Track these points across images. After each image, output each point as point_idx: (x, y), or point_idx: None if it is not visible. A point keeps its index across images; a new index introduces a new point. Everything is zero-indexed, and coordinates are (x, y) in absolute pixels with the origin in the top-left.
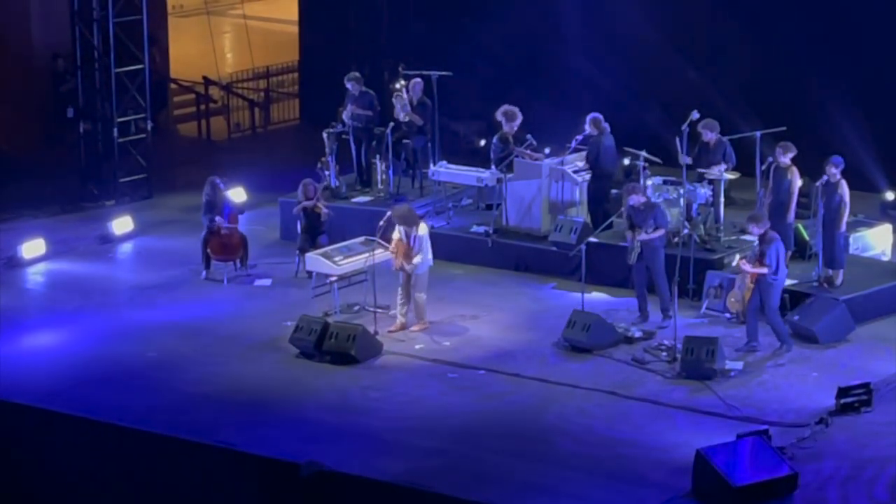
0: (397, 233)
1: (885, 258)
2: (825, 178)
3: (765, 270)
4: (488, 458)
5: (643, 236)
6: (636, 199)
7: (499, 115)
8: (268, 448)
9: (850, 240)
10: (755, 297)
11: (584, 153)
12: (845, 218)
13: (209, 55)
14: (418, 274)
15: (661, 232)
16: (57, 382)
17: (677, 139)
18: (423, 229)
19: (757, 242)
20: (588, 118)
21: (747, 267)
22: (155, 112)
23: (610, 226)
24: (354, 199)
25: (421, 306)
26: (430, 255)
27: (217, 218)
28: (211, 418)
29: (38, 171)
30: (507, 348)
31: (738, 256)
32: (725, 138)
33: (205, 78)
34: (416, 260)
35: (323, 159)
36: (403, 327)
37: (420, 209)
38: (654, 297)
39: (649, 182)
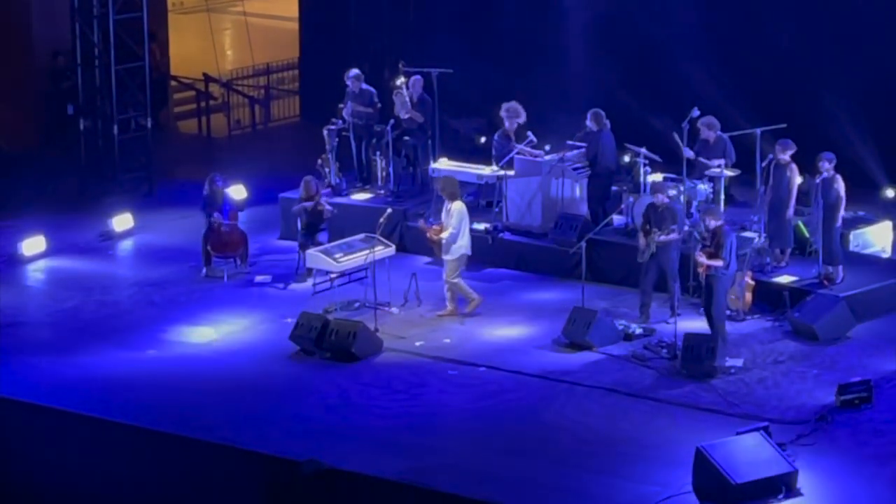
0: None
1: (886, 255)
2: (823, 174)
3: (720, 263)
4: (488, 455)
5: (662, 237)
6: (661, 198)
7: (502, 112)
8: (268, 446)
9: (851, 237)
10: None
11: (583, 150)
12: (841, 213)
13: (209, 52)
14: (447, 259)
15: (676, 234)
16: (56, 380)
17: (675, 134)
18: (456, 206)
19: (712, 235)
20: (589, 113)
21: (703, 259)
22: (155, 109)
23: (610, 223)
24: (354, 196)
25: (451, 292)
26: (463, 242)
27: (215, 214)
28: (211, 416)
29: (38, 169)
30: (508, 345)
31: (698, 248)
32: (725, 135)
33: (205, 75)
34: (444, 235)
35: (323, 156)
36: (454, 313)
37: (420, 206)
38: (657, 295)
39: (650, 179)
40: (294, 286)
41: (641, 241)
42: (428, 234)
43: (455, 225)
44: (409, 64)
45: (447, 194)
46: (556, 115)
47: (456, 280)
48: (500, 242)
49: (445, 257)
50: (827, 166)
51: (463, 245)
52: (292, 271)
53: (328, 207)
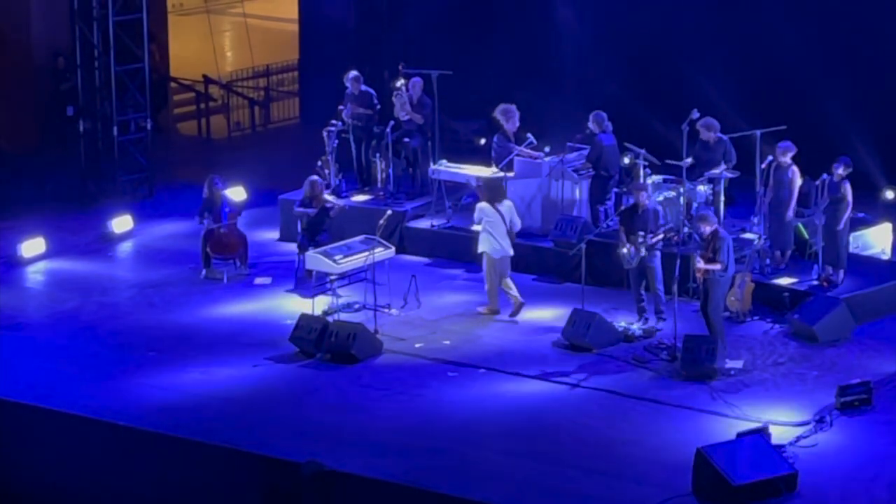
0: None
1: (885, 257)
2: (825, 176)
3: (718, 267)
4: (488, 456)
5: (652, 239)
6: (644, 197)
7: (497, 115)
8: (268, 447)
9: (851, 238)
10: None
11: (583, 152)
12: (847, 217)
13: (209, 54)
14: (483, 255)
15: (661, 235)
16: (56, 381)
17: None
18: (478, 205)
19: (708, 240)
20: (591, 115)
21: (701, 265)
22: (155, 111)
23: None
24: (354, 198)
25: (488, 291)
26: (485, 243)
27: (205, 221)
28: (211, 417)
29: (37, 170)
30: (507, 347)
31: (697, 254)
32: (725, 137)
33: (205, 76)
34: (475, 226)
35: (323, 158)
36: (520, 307)
37: (420, 208)
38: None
39: (650, 181)
40: (293, 288)
41: (625, 247)
42: None
43: (484, 228)
44: (409, 65)
45: (483, 195)
46: (556, 117)
47: (491, 281)
48: None
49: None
50: (840, 172)
51: (483, 247)
52: (292, 273)
53: (340, 203)
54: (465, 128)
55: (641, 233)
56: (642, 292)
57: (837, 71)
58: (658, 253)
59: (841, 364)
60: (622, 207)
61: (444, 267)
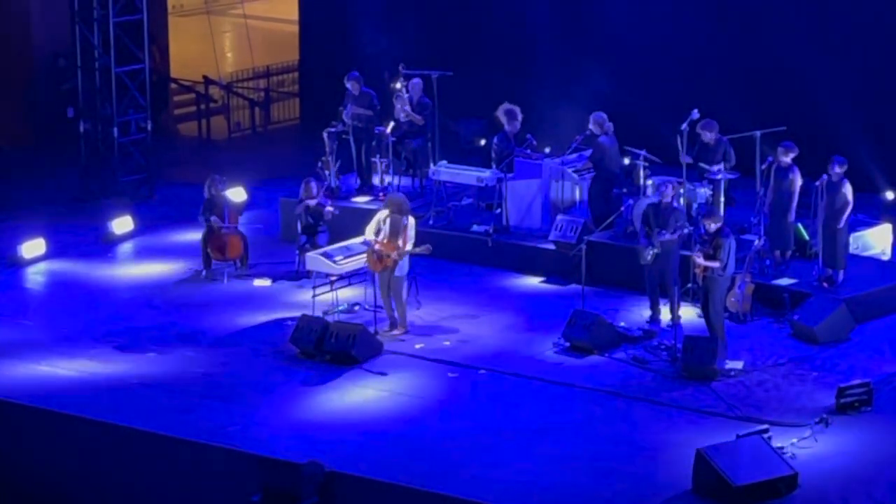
0: (372, 235)
1: (885, 258)
2: (825, 176)
3: (716, 265)
4: (488, 457)
5: (667, 236)
6: (668, 191)
7: (500, 114)
8: (268, 448)
9: (851, 239)
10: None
11: (584, 153)
12: (846, 217)
13: (209, 55)
14: (396, 276)
15: (680, 232)
16: (56, 382)
17: (678, 138)
18: (413, 220)
19: (710, 238)
20: (592, 116)
21: (700, 260)
22: (155, 112)
23: (610, 225)
24: (354, 199)
25: (401, 309)
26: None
27: (213, 218)
28: (211, 418)
29: (38, 171)
30: (507, 348)
31: (696, 249)
32: (725, 138)
33: (205, 77)
34: (407, 247)
35: (323, 159)
36: (394, 328)
37: (420, 209)
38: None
39: (649, 182)
40: (293, 289)
41: (645, 240)
42: (378, 248)
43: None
44: (409, 66)
45: (403, 211)
46: (556, 118)
47: (405, 300)
48: (500, 244)
49: (397, 275)
50: (837, 170)
51: (405, 268)
52: (292, 274)
53: (329, 208)
54: (466, 129)
55: (657, 229)
56: (657, 288)
57: (837, 71)
58: (677, 254)
59: (841, 365)
60: (649, 202)
61: (444, 267)
